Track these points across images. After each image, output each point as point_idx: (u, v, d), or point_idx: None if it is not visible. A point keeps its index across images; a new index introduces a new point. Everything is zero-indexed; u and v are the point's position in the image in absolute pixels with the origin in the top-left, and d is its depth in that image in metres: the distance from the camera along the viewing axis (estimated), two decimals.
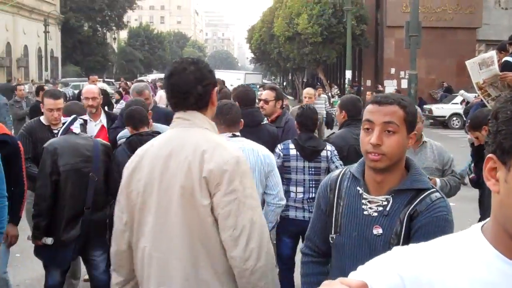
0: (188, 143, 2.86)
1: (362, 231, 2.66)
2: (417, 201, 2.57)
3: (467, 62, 6.96)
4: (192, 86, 2.92)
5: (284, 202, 5.01)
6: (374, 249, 2.57)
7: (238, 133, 4.79)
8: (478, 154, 5.95)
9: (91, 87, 7.20)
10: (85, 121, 5.51)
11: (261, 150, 4.79)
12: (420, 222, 2.53)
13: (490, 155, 1.28)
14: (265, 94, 7.04)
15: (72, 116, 5.29)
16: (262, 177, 4.76)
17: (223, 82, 18.09)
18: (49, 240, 5.04)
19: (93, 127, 6.67)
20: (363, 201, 2.65)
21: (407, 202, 2.58)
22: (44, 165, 5.02)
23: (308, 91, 11.11)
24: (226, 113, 4.68)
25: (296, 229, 5.77)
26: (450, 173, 5.51)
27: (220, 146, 2.82)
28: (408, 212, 2.56)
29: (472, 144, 6.19)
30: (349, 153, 5.77)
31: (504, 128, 1.24)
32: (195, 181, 2.77)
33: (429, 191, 2.59)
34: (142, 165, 2.98)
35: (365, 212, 2.65)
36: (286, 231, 5.85)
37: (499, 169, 1.26)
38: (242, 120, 4.94)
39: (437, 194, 2.60)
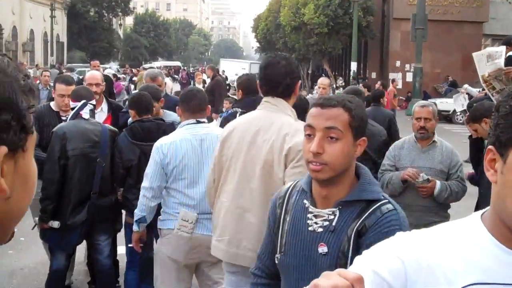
0: (274, 125, 3.52)
1: (306, 250, 2.39)
2: (366, 214, 2.30)
3: (474, 54, 7.01)
4: (282, 77, 3.59)
5: None
6: (320, 270, 1.96)
7: (203, 119, 4.64)
8: (475, 147, 6.05)
9: (95, 73, 7.10)
10: (94, 106, 5.55)
11: None
12: (369, 240, 2.23)
13: (490, 146, 1.33)
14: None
15: (82, 101, 5.33)
16: None
17: (217, 70, 18.44)
18: (55, 224, 5.10)
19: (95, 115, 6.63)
20: (308, 215, 2.38)
21: (356, 215, 2.31)
22: (53, 149, 5.07)
23: (322, 81, 10.08)
24: (189, 100, 4.62)
25: None
26: (456, 177, 5.35)
27: (299, 131, 3.25)
28: (356, 227, 2.30)
29: (470, 137, 6.20)
30: None
31: (502, 122, 1.29)
32: (275, 157, 3.44)
33: (380, 203, 2.32)
34: (232, 135, 3.67)
35: (310, 228, 2.37)
36: None
37: (497, 160, 1.31)
38: (209, 106, 4.92)
39: (389, 206, 2.31)
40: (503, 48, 7.07)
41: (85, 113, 5.30)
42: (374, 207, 2.30)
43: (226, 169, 3.65)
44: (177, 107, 4.89)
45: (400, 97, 23.14)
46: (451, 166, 5.33)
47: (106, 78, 12.63)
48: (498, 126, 1.31)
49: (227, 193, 3.64)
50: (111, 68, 35.49)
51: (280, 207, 2.53)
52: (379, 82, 22.21)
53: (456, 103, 5.99)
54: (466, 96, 21.26)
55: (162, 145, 4.47)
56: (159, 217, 4.58)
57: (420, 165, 5.37)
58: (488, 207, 1.40)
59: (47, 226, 5.12)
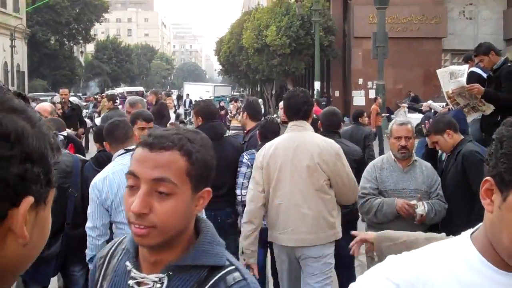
0: (308, 141, 4.93)
1: None
2: (207, 286, 1.73)
3: (438, 71, 7.16)
4: (302, 105, 4.98)
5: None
6: None
7: (132, 146, 4.38)
8: (429, 157, 6.18)
9: (44, 106, 6.85)
10: (65, 137, 5.52)
11: None
12: None
13: (489, 177, 1.35)
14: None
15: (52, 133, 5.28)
16: None
17: (159, 95, 18.37)
18: None
19: None
20: (130, 281, 1.80)
21: (193, 285, 1.74)
22: None
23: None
24: (113, 131, 4.68)
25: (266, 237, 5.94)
26: (436, 196, 5.21)
27: (326, 142, 4.99)
28: None
29: (426, 146, 6.34)
30: None
31: (506, 162, 1.31)
32: (315, 163, 4.82)
33: (224, 271, 1.76)
34: (276, 153, 4.92)
35: None
36: (259, 239, 5.97)
37: (495, 193, 1.34)
38: (135, 133, 4.99)
39: (236, 275, 1.76)
40: (465, 66, 7.25)
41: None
42: (217, 277, 1.74)
43: (276, 178, 4.89)
44: (104, 142, 4.89)
45: (383, 115, 23.26)
46: (431, 184, 5.20)
47: (75, 106, 12.59)
48: (500, 162, 1.32)
49: (282, 196, 4.90)
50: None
51: (99, 270, 1.98)
52: (377, 98, 22.36)
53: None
54: (406, 110, 22.06)
55: (96, 183, 4.45)
56: None
57: (405, 187, 5.21)
58: (478, 226, 1.44)
59: None
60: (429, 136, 5.85)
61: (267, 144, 5.08)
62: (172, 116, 16.26)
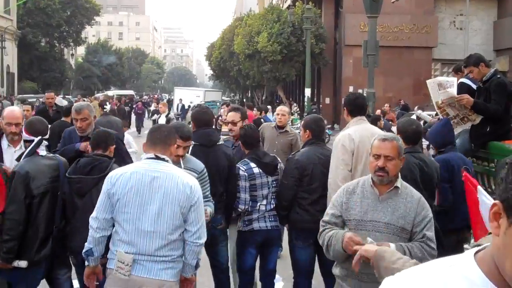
0: (375, 130, 5.92)
1: None
2: None
3: (428, 82, 7.21)
4: (366, 104, 6.27)
5: (202, 240, 4.47)
6: None
7: (163, 156, 4.41)
8: None
9: (14, 111, 6.24)
10: (47, 140, 5.54)
11: (183, 178, 4.37)
12: None
13: (497, 201, 1.37)
14: (231, 116, 7.01)
15: (38, 138, 5.29)
16: (176, 208, 4.30)
17: (118, 99, 18.47)
18: (23, 263, 5.00)
19: (12, 154, 6.03)
20: None
21: None
22: (17, 189, 4.99)
23: (282, 108, 9.73)
24: (152, 131, 4.60)
25: (261, 239, 6.13)
26: (421, 238, 4.04)
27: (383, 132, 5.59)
28: None
29: None
30: (313, 172, 5.92)
31: None
32: None
33: None
34: (363, 140, 5.62)
35: None
36: (252, 241, 6.12)
37: (503, 217, 1.36)
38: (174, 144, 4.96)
39: None
40: (453, 78, 7.31)
41: (42, 150, 5.27)
42: None
43: (364, 162, 5.43)
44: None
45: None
46: (416, 222, 4.06)
47: (60, 108, 12.56)
48: (509, 187, 1.33)
49: (359, 174, 5.33)
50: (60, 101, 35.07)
51: None
52: (386, 105, 22.50)
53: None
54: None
55: (112, 176, 4.38)
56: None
57: (374, 218, 4.11)
58: (482, 246, 1.44)
59: (11, 266, 5.02)
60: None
61: (349, 131, 5.74)
62: (163, 120, 16.29)
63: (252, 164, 6.07)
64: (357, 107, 5.97)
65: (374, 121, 11.02)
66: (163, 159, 4.37)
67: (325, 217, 4.32)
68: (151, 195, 4.26)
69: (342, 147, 5.65)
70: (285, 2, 45.98)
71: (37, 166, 5.13)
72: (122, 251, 4.27)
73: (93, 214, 4.38)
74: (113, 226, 4.42)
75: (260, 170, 6.06)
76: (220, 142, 6.27)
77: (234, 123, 6.89)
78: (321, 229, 4.28)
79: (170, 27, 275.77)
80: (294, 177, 5.93)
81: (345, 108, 6.10)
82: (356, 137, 5.64)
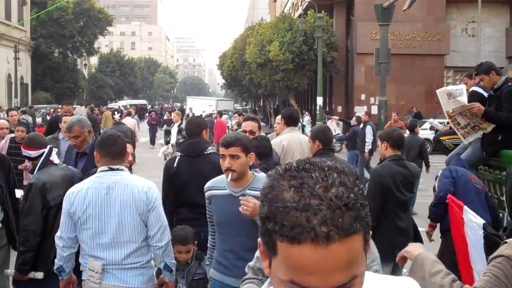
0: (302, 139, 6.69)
1: None
2: None
3: (438, 91, 7.19)
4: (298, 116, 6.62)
5: (163, 243, 4.45)
6: None
7: (117, 166, 4.41)
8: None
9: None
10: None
11: (139, 185, 4.37)
12: None
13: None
14: (249, 125, 7.05)
15: (48, 147, 5.31)
16: (135, 215, 4.32)
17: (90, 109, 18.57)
18: (40, 275, 5.03)
19: None
20: None
21: None
22: (34, 201, 5.01)
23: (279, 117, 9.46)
24: (109, 146, 4.44)
25: None
26: None
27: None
28: None
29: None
30: None
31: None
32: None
33: None
34: (290, 146, 6.78)
35: None
36: None
37: None
38: (128, 151, 4.86)
39: None
40: (462, 86, 7.27)
41: (55, 158, 5.30)
42: None
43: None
44: (94, 152, 4.63)
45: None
46: None
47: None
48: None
49: None
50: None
51: None
52: (394, 114, 22.53)
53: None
54: (339, 122, 22.64)
55: (69, 194, 4.35)
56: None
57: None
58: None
59: (27, 278, 5.04)
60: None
61: (280, 137, 6.62)
62: (175, 130, 16.25)
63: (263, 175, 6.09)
64: (291, 119, 7.73)
65: (411, 128, 12.33)
66: (117, 169, 4.37)
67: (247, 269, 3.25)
68: (109, 208, 4.28)
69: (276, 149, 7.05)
70: (297, 11, 46.03)
71: (52, 177, 5.15)
72: (92, 259, 4.30)
73: (58, 233, 4.41)
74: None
75: None
76: (209, 151, 6.16)
77: (252, 133, 6.90)
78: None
79: (182, 37, 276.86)
80: None
81: (282, 119, 7.72)
82: (285, 143, 7.22)
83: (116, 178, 4.32)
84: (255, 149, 6.28)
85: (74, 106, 41.82)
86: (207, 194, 4.54)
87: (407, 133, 14.00)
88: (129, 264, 4.33)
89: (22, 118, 18.14)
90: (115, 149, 4.40)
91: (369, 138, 17.47)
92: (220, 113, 23.57)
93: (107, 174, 4.34)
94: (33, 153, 5.34)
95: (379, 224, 6.00)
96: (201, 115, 36.68)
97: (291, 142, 7.25)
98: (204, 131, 6.38)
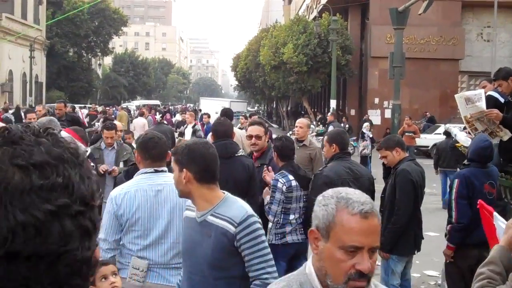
0: None
1: None
2: None
3: (456, 96, 7.19)
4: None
5: None
6: None
7: (162, 168, 4.41)
8: (387, 172, 6.88)
9: None
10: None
11: None
12: None
13: None
14: (255, 130, 6.97)
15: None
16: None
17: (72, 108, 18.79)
18: None
19: None
20: None
21: None
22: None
23: (301, 120, 9.32)
24: (151, 148, 4.42)
25: (293, 251, 6.24)
26: None
27: None
28: None
29: (383, 164, 6.87)
30: (342, 187, 5.88)
31: None
32: None
33: None
34: None
35: None
36: (285, 254, 6.16)
37: None
38: (169, 152, 4.81)
39: None
40: (480, 90, 7.23)
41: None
42: None
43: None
44: (135, 154, 4.63)
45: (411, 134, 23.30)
46: None
47: (69, 118, 12.73)
48: None
49: None
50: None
51: None
52: (406, 118, 22.37)
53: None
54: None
55: (115, 196, 4.30)
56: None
57: None
58: None
59: None
60: (379, 151, 6.59)
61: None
62: (189, 131, 16.19)
63: (291, 177, 6.10)
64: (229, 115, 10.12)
65: (448, 132, 13.73)
66: (161, 171, 4.38)
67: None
68: (158, 210, 4.28)
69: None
70: (311, 13, 46.02)
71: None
72: (136, 258, 4.28)
73: (101, 236, 4.31)
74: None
75: (297, 183, 6.09)
76: (240, 154, 6.18)
77: (258, 137, 6.90)
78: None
79: (196, 38, 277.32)
80: None
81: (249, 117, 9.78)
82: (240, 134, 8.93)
83: (163, 180, 4.31)
84: (278, 150, 6.30)
85: (89, 106, 41.97)
86: (183, 214, 3.93)
87: (436, 138, 14.66)
88: (173, 264, 4.31)
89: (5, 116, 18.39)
90: (156, 152, 4.39)
91: None
92: (208, 115, 23.66)
93: (153, 176, 4.34)
94: None
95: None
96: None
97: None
98: (233, 133, 6.42)
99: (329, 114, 21.57)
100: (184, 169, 3.53)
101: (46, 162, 0.94)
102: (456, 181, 6.32)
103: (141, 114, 24.45)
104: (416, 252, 6.60)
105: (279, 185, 6.02)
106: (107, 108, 41.90)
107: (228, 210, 3.49)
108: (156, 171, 4.38)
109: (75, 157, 0.99)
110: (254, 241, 3.39)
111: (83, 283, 0.95)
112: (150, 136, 4.58)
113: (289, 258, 6.20)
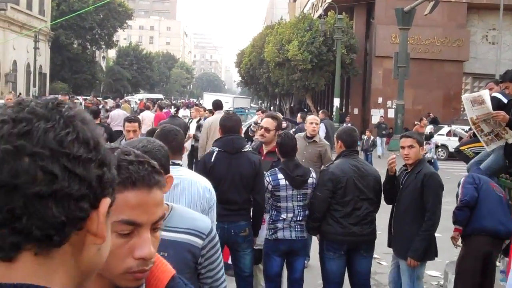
0: None
1: None
2: None
3: (463, 97, 7.22)
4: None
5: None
6: None
7: (179, 161, 4.42)
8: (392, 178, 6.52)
9: None
10: None
11: (201, 182, 4.34)
12: None
13: None
14: (266, 122, 7.06)
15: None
16: (198, 211, 4.15)
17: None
18: None
19: None
20: None
21: None
22: None
23: (315, 117, 9.47)
24: (170, 141, 4.35)
25: (285, 248, 6.14)
26: None
27: None
28: None
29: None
30: (347, 185, 5.90)
31: None
32: None
33: None
34: None
35: None
36: (276, 250, 6.12)
37: None
38: (185, 146, 4.76)
39: None
40: (485, 91, 7.24)
41: None
42: None
43: (210, 137, 9.49)
44: None
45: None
46: None
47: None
48: None
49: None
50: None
51: None
52: (423, 121, 22.02)
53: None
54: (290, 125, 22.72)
55: None
56: None
57: None
58: None
59: None
60: (407, 139, 6.05)
61: (208, 119, 7.00)
62: (194, 125, 16.26)
63: (280, 176, 6.07)
64: (218, 106, 13.11)
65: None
66: (178, 164, 4.38)
67: None
68: (175, 202, 4.29)
69: (204, 129, 12.29)
70: (317, 11, 45.99)
71: None
72: None
73: None
74: None
75: (287, 183, 6.05)
76: (246, 149, 6.17)
77: (267, 130, 6.94)
78: None
79: (200, 33, 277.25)
80: (328, 189, 5.90)
81: (212, 108, 13.23)
82: (209, 123, 12.14)
83: (180, 173, 4.28)
84: (278, 145, 6.31)
85: (84, 97, 41.93)
86: None
87: (439, 139, 13.98)
88: None
89: None
90: (175, 144, 4.37)
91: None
92: (161, 106, 23.69)
93: (171, 169, 4.36)
94: None
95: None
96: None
97: (214, 122, 10.84)
98: (240, 128, 6.41)
99: (320, 112, 21.57)
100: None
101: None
102: (462, 178, 6.53)
103: (148, 108, 24.51)
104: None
105: (265, 183, 6.03)
106: (105, 100, 41.96)
107: (187, 221, 2.96)
108: (174, 164, 4.39)
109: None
110: (216, 254, 3.03)
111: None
112: (170, 128, 4.59)
113: (283, 254, 6.18)
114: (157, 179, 1.58)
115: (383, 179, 6.23)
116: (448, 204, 7.63)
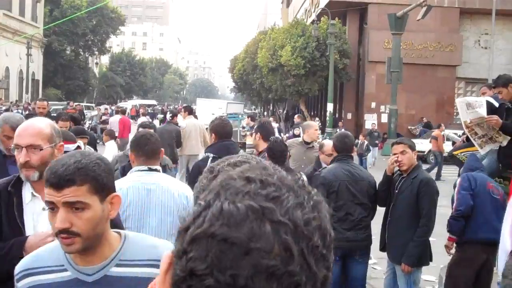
0: None
1: None
2: None
3: (457, 100, 7.22)
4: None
5: None
6: None
7: (155, 166, 4.36)
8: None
9: None
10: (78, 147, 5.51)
11: (178, 189, 4.31)
12: None
13: None
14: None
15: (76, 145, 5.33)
16: (175, 219, 4.21)
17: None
18: None
19: None
20: None
21: None
22: None
23: (315, 124, 9.82)
24: (143, 145, 4.35)
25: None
26: None
27: None
28: None
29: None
30: (339, 189, 5.89)
31: None
32: None
33: None
34: None
35: None
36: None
37: None
38: (162, 149, 4.61)
39: None
40: (482, 98, 7.26)
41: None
42: None
43: (189, 138, 13.22)
44: (129, 152, 4.57)
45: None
46: None
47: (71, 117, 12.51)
48: None
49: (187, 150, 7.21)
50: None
51: None
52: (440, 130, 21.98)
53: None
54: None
55: None
56: None
57: None
58: None
59: None
60: (399, 145, 6.09)
61: (181, 123, 7.38)
62: None
63: None
64: (190, 110, 15.02)
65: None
66: (155, 170, 4.34)
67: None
68: (149, 208, 4.24)
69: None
70: (310, 17, 46.04)
71: None
72: None
73: None
74: None
75: None
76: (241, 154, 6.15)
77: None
78: None
79: (193, 39, 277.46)
80: (320, 193, 5.86)
81: (185, 112, 14.61)
82: (183, 125, 12.95)
83: (155, 179, 4.27)
84: (268, 150, 6.25)
85: (84, 104, 41.88)
86: (20, 284, 2.23)
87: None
88: None
89: None
90: (148, 149, 4.35)
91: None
92: (123, 111, 23.35)
93: (145, 175, 4.30)
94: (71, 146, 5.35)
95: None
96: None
97: (189, 125, 13.20)
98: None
99: (296, 116, 21.76)
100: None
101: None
102: (458, 179, 6.44)
103: (144, 114, 24.60)
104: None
105: None
106: (98, 107, 41.91)
107: (147, 251, 2.32)
108: (150, 169, 4.35)
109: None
110: None
111: None
112: (141, 134, 4.59)
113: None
114: None
115: (378, 183, 6.20)
116: (443, 208, 7.61)
